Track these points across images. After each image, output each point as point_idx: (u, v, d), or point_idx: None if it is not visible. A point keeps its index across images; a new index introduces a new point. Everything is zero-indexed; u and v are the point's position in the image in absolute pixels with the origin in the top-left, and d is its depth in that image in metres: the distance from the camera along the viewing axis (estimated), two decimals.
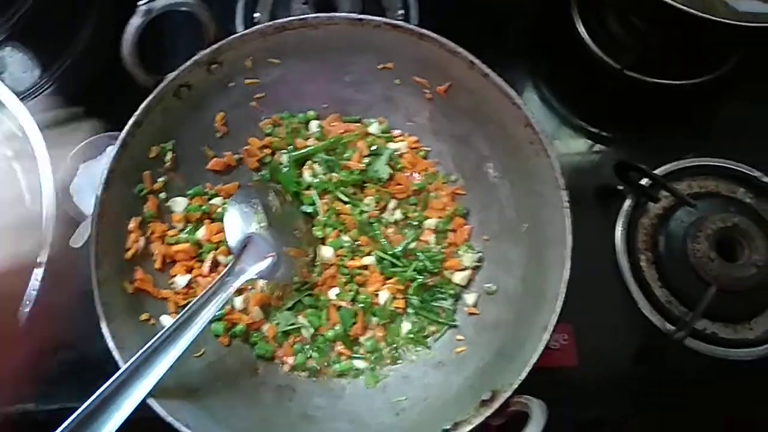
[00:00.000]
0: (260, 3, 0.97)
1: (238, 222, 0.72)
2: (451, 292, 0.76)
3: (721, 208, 0.83)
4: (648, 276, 0.82)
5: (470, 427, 0.58)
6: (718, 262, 0.79)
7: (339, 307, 0.75)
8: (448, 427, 0.59)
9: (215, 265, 0.76)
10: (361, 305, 0.74)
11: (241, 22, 0.95)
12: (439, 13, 0.97)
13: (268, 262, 0.70)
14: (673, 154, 0.88)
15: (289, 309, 0.75)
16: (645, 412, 0.79)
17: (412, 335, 0.74)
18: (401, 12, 0.96)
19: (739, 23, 0.75)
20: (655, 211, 0.86)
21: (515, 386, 0.58)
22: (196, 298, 0.65)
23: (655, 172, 0.84)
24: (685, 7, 0.74)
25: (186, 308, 0.64)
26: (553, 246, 0.65)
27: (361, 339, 0.74)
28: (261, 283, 0.75)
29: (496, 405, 0.58)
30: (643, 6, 0.87)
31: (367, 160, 0.79)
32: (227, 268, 0.69)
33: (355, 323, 0.73)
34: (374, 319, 0.74)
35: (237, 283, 0.68)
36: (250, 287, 0.75)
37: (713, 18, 0.74)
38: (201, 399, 0.65)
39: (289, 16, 0.88)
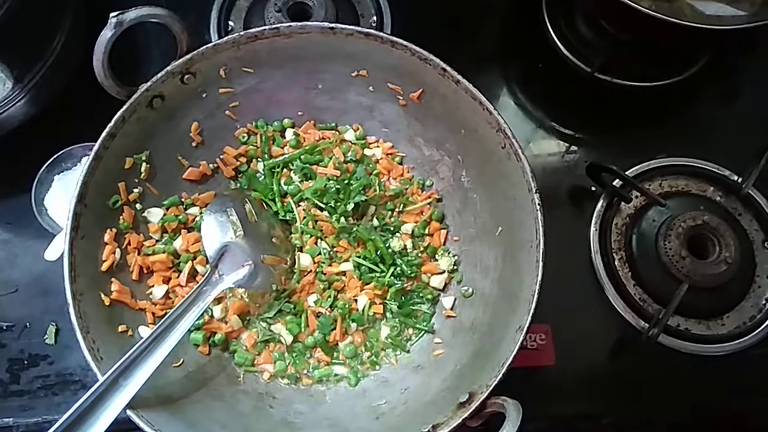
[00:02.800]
0: (234, 12, 0.97)
1: (215, 231, 0.72)
2: (429, 296, 0.77)
3: (692, 206, 0.85)
4: (622, 275, 0.84)
5: (448, 429, 0.59)
6: (690, 260, 0.81)
7: (318, 314, 0.75)
8: (426, 429, 0.60)
9: (193, 275, 0.76)
10: (340, 311, 0.74)
11: (215, 31, 0.95)
12: (412, 20, 0.98)
13: (245, 270, 0.71)
14: (644, 155, 0.90)
15: (268, 317, 0.75)
16: (621, 407, 0.81)
17: (390, 340, 0.75)
18: (375, 19, 0.97)
19: (705, 26, 0.77)
20: (628, 211, 0.88)
21: (491, 387, 0.59)
22: (174, 308, 0.65)
23: (626, 172, 0.86)
24: (653, 12, 0.75)
25: (164, 319, 0.64)
26: (527, 248, 0.66)
27: (341, 345, 0.75)
28: (240, 291, 0.75)
29: (472, 406, 0.59)
30: (611, 10, 0.89)
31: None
32: (204, 277, 0.69)
33: (333, 329, 0.74)
34: (353, 325, 0.75)
35: (215, 293, 0.68)
36: (229, 295, 0.76)
37: (681, 21, 0.75)
38: (181, 408, 0.65)
39: (263, 24, 0.90)
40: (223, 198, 0.77)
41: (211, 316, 0.74)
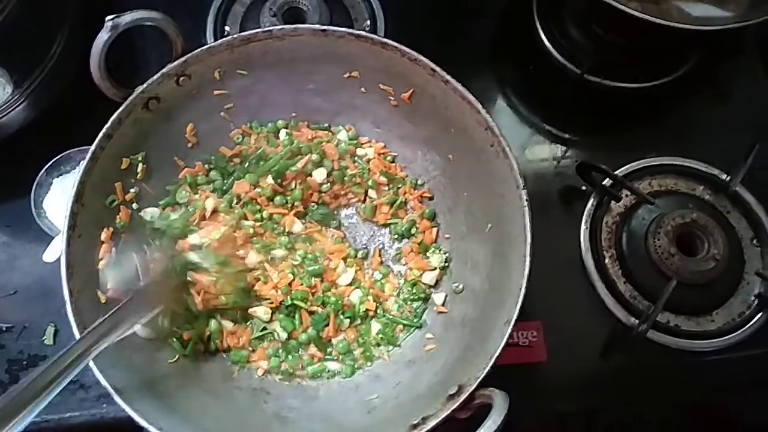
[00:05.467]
0: (230, 17, 0.99)
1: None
2: (422, 295, 0.78)
3: (681, 204, 0.86)
4: (612, 272, 0.85)
5: (437, 421, 0.60)
6: (679, 257, 0.82)
7: (311, 312, 0.76)
8: (416, 421, 0.61)
9: None
10: (333, 306, 0.75)
11: (211, 35, 0.96)
12: (405, 24, 0.99)
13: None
14: (634, 154, 0.91)
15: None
16: (613, 403, 0.82)
17: (382, 335, 0.76)
18: (368, 23, 0.99)
19: (693, 27, 0.78)
20: (618, 210, 0.89)
21: (480, 379, 0.60)
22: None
23: (616, 172, 0.87)
24: (640, 13, 0.76)
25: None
26: (516, 244, 0.67)
27: (334, 341, 0.76)
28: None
29: (461, 398, 0.60)
30: (600, 13, 0.90)
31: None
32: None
33: (326, 326, 0.75)
34: (346, 321, 0.76)
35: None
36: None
37: (668, 23, 0.76)
38: (176, 403, 0.66)
39: (259, 28, 0.91)
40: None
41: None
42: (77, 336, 0.63)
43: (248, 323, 0.76)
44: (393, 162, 0.83)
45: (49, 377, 0.55)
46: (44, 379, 0.55)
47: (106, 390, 0.61)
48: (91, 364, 0.62)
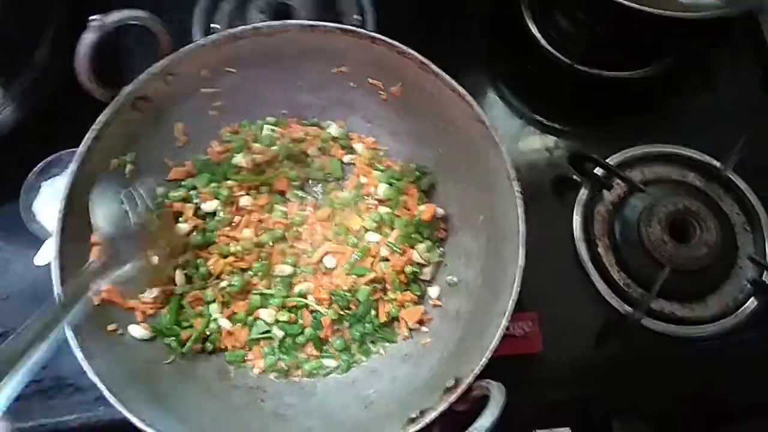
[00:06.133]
0: (217, 14, 0.98)
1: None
2: (417, 290, 0.78)
3: (673, 192, 0.87)
4: (606, 261, 0.85)
5: (435, 414, 0.60)
6: (671, 244, 0.82)
7: (312, 311, 0.75)
8: (414, 415, 0.61)
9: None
10: (340, 303, 0.74)
11: (198, 32, 0.95)
12: (395, 21, 0.98)
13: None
14: (625, 143, 0.91)
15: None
16: (609, 391, 0.82)
17: (378, 331, 0.75)
18: (358, 18, 0.98)
19: (682, 15, 0.78)
20: (610, 199, 0.89)
21: (477, 372, 0.60)
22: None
23: (607, 161, 0.87)
24: (628, 2, 0.76)
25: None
26: (510, 236, 0.67)
27: (330, 339, 0.76)
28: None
29: (459, 391, 0.60)
30: (589, 2, 0.90)
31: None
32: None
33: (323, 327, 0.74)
34: (346, 323, 0.75)
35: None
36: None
37: (657, 11, 0.76)
38: (172, 404, 0.66)
39: (246, 25, 0.90)
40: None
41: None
42: (69, 336, 0.62)
43: (249, 324, 0.76)
44: (384, 156, 0.83)
45: (47, 319, 0.56)
46: (40, 324, 0.56)
47: (102, 392, 0.61)
48: (86, 365, 0.62)
